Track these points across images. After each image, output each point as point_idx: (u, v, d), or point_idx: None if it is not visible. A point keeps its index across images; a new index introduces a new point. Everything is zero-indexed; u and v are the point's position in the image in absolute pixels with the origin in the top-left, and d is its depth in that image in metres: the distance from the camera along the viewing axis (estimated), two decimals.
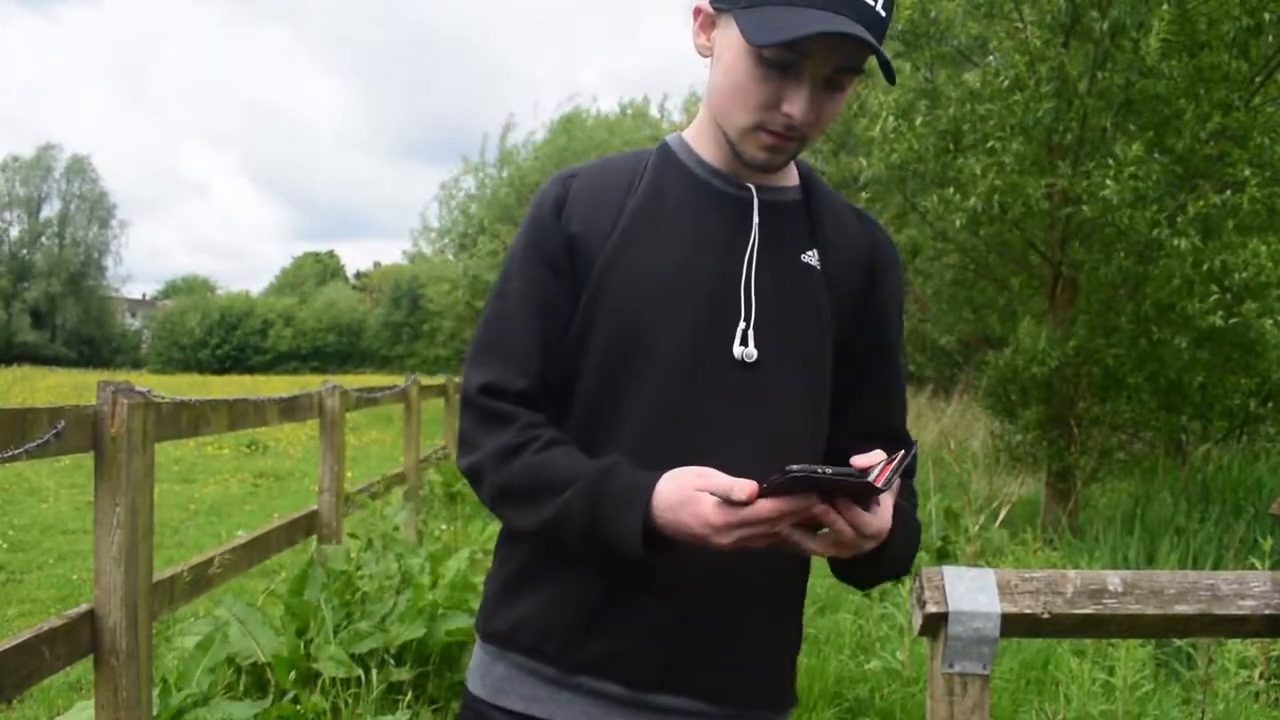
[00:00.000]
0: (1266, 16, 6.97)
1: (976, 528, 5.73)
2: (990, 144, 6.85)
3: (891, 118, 7.14)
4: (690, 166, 1.40)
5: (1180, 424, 7.81)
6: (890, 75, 1.24)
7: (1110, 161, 6.47)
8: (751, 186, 1.38)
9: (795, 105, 1.24)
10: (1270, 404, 9.23)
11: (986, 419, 8.73)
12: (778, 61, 1.23)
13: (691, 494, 1.17)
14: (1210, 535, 7.00)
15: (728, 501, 1.12)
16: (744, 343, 1.32)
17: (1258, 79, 7.59)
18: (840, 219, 1.45)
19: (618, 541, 1.21)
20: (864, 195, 7.76)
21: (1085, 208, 6.58)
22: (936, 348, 8.82)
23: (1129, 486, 8.44)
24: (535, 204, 1.40)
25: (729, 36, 1.27)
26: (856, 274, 1.43)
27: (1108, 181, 6.29)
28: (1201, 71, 7.16)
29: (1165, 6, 6.44)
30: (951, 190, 6.97)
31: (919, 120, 7.03)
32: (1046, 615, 2.28)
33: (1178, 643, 4.80)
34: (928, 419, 13.32)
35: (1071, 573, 2.33)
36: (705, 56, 1.34)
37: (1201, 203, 6.41)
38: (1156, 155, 6.92)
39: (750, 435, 1.31)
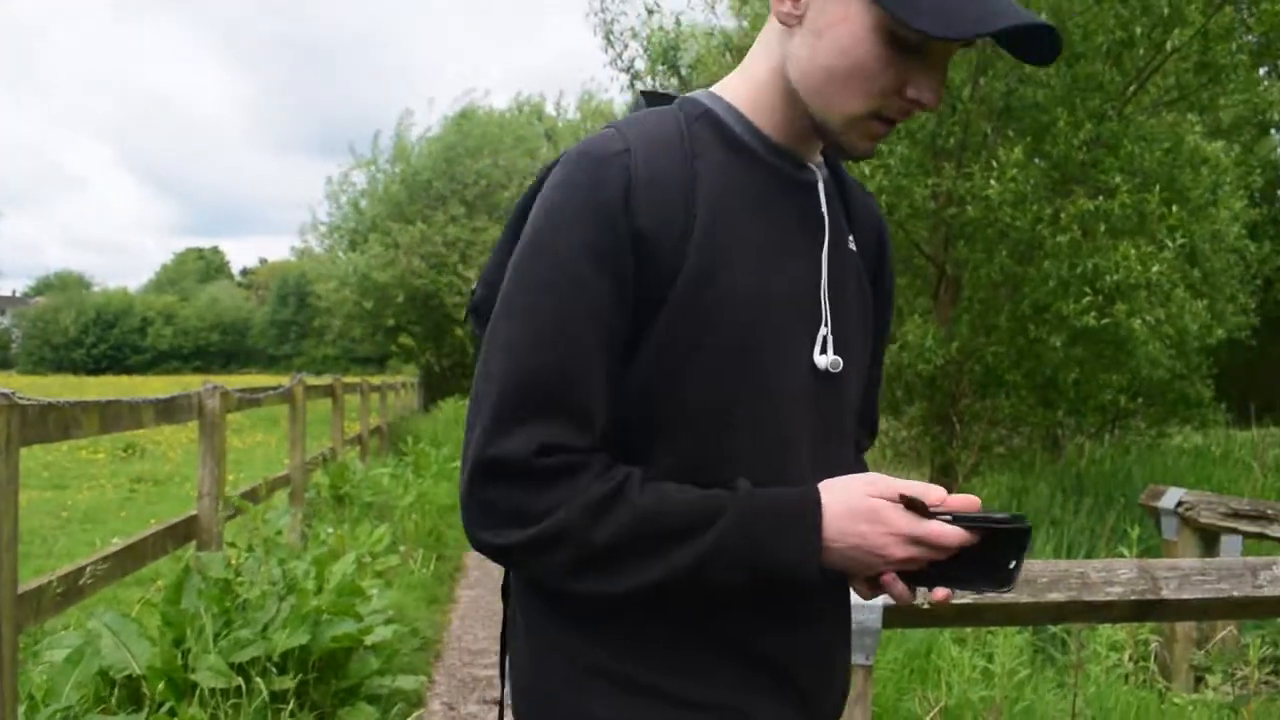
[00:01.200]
0: (1138, 30, 7.28)
1: None
2: (878, 146, 7.03)
3: None
4: (749, 141, 1.17)
5: (1056, 419, 8.11)
6: (1044, 57, 1.09)
7: (993, 164, 6.69)
8: (813, 166, 1.20)
9: (927, 91, 1.08)
10: (1140, 399, 9.66)
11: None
12: (912, 43, 1.06)
13: (871, 502, 1.06)
14: (1084, 525, 7.28)
15: (910, 507, 1.05)
16: (824, 350, 1.16)
17: (1130, 89, 7.93)
18: (857, 194, 1.31)
19: (787, 566, 1.05)
20: None
21: (969, 208, 6.79)
22: None
23: (1008, 480, 8.72)
24: (590, 185, 1.07)
25: (842, 10, 1.07)
26: (874, 254, 1.32)
27: (991, 182, 6.50)
28: (1077, 81, 7.44)
29: (1042, 16, 6.66)
30: None
31: None
32: (927, 606, 2.34)
33: (1053, 629, 4.97)
34: None
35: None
36: (789, 25, 1.11)
37: (1074, 207, 6.67)
38: (1037, 160, 7.17)
39: (826, 447, 1.18)
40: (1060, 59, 7.44)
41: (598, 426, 1.07)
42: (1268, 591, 2.55)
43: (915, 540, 1.04)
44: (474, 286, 1.29)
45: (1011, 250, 7.08)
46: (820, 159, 1.23)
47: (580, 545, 1.04)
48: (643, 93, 1.27)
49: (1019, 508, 7.66)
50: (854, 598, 1.24)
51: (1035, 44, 1.07)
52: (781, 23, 1.12)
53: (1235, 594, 2.50)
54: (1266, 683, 4.51)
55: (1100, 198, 6.88)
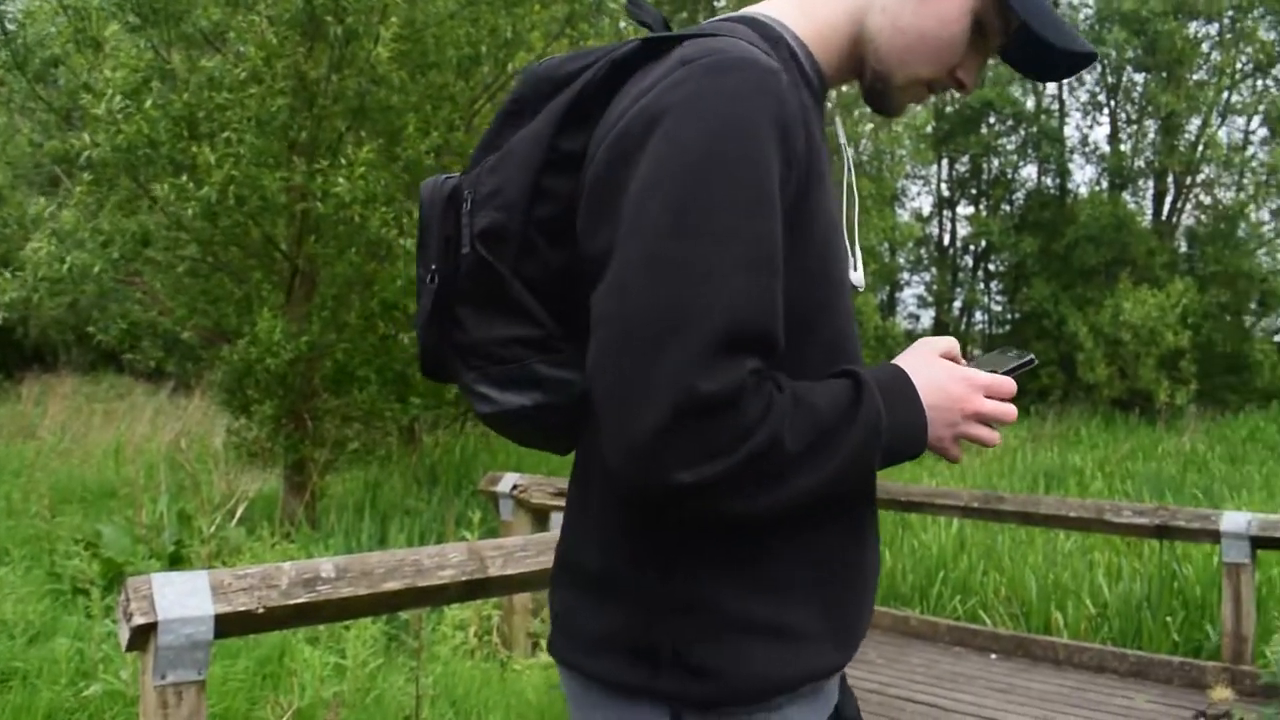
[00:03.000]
0: (484, 49, 7.79)
1: (212, 528, 5.57)
2: (227, 134, 6.71)
3: (119, 96, 6.63)
4: (813, 78, 1.20)
5: (411, 413, 8.40)
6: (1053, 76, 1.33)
7: (344, 161, 6.72)
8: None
9: (972, 76, 1.25)
10: None
11: (229, 416, 8.57)
12: (984, 34, 1.22)
13: (943, 361, 1.16)
14: (436, 513, 7.64)
15: None
16: (854, 268, 1.25)
17: (478, 103, 8.47)
18: None
19: (910, 444, 1.11)
20: (87, 177, 7.11)
21: (320, 204, 6.75)
22: (177, 342, 8.41)
23: (365, 474, 8.89)
24: (765, 93, 1.02)
25: None
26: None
27: (340, 180, 6.52)
28: (430, 90, 7.78)
29: (394, 20, 6.85)
30: (186, 178, 6.69)
31: (149, 102, 6.63)
32: (262, 610, 2.26)
33: (404, 616, 5.12)
34: (169, 417, 12.70)
35: (287, 564, 2.34)
36: None
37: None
38: (393, 163, 7.35)
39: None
40: (415, 67, 7.80)
41: (780, 351, 1.04)
42: None
43: (987, 390, 1.14)
44: (470, 209, 1.15)
45: (363, 249, 7.19)
46: None
47: (780, 456, 1.00)
48: (644, 9, 1.23)
49: (376, 501, 7.84)
50: None
51: (1063, 68, 1.27)
52: None
53: (552, 565, 2.77)
54: None
55: None
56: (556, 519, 5.48)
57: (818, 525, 1.14)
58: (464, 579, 2.52)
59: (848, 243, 1.23)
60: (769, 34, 1.17)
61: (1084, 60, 1.22)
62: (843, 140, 1.32)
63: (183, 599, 2.09)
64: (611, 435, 1.00)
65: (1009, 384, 1.16)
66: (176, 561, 5.60)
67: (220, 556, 5.54)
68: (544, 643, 4.86)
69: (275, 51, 6.80)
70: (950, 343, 1.19)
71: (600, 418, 1.02)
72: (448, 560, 2.50)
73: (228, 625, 2.20)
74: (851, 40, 1.22)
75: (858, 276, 1.25)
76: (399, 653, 4.85)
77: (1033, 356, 1.23)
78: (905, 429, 1.10)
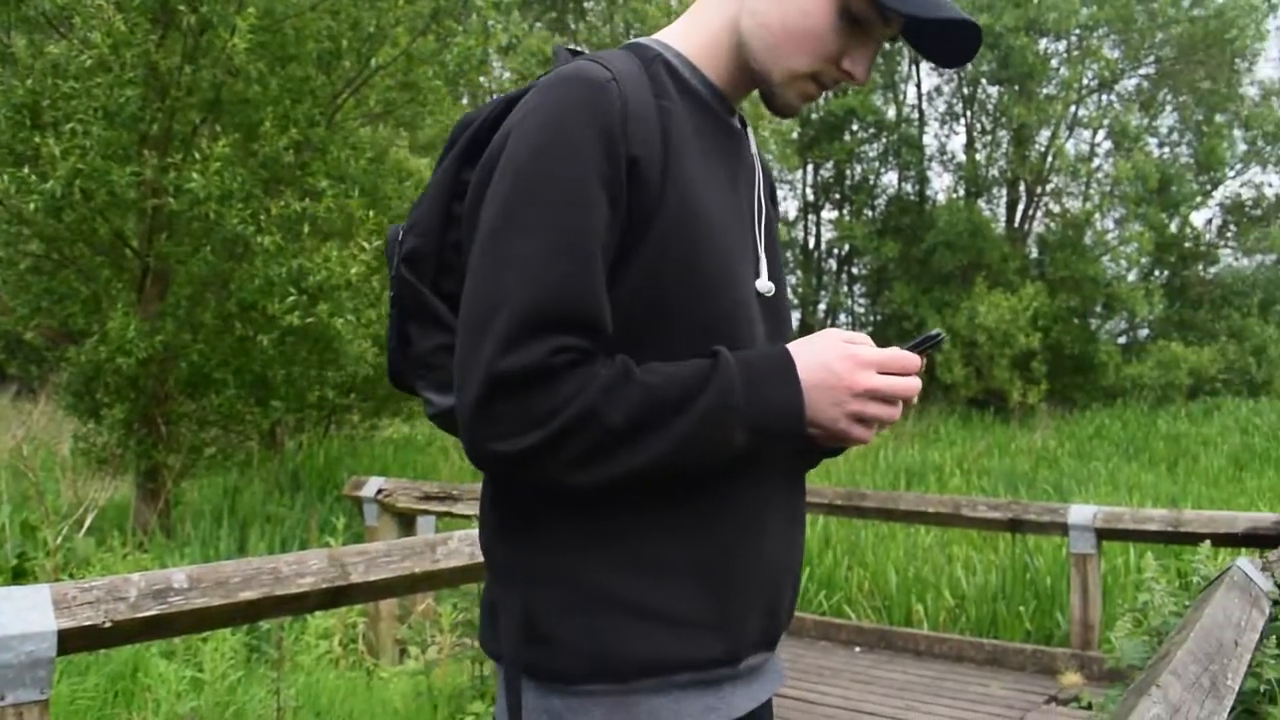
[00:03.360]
0: (345, 43, 7.60)
1: (59, 540, 5.30)
2: (72, 125, 6.39)
3: None
4: (699, 89, 1.26)
5: (273, 416, 8.15)
6: (960, 60, 1.26)
7: (198, 156, 6.48)
8: (740, 116, 1.33)
9: (860, 66, 1.24)
10: (353, 395, 10.13)
11: (76, 421, 8.17)
12: (862, 20, 1.20)
13: (834, 340, 1.16)
14: (299, 520, 7.43)
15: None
16: (758, 275, 1.28)
17: (340, 98, 8.26)
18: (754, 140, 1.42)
19: (782, 420, 1.12)
20: None
21: (173, 200, 6.49)
22: (20, 343, 7.98)
23: (224, 480, 8.58)
24: (593, 106, 1.11)
25: None
26: (768, 196, 1.39)
27: (194, 175, 6.28)
28: (289, 84, 7.55)
29: (251, 11, 6.64)
30: (28, 170, 6.35)
31: None
32: (109, 624, 2.15)
33: (265, 626, 4.96)
34: (10, 422, 12.06)
35: (136, 575, 2.23)
36: None
37: (276, 208, 6.74)
38: (250, 159, 7.11)
39: None
40: (274, 60, 7.57)
41: (604, 335, 1.10)
42: (444, 564, 2.80)
43: (879, 365, 1.14)
44: (398, 236, 1.28)
45: (219, 247, 6.94)
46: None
47: (598, 428, 1.05)
48: (561, 49, 1.29)
49: (235, 508, 7.58)
50: None
51: (956, 46, 1.23)
52: None
53: (417, 570, 2.71)
54: (459, 645, 4.97)
55: (307, 200, 7.05)
56: (423, 523, 5.39)
57: (697, 509, 1.16)
58: (325, 586, 2.45)
59: (759, 249, 1.29)
60: (644, 54, 1.24)
61: (963, 28, 1.19)
62: (754, 151, 1.34)
63: (22, 614, 1.98)
64: (457, 413, 1.12)
65: (908, 358, 1.17)
66: (20, 575, 5.31)
67: (67, 569, 5.29)
68: (411, 649, 4.75)
69: (124, 39, 6.50)
70: (861, 338, 1.18)
71: None
72: (307, 567, 2.42)
73: (72, 641, 2.09)
74: (733, 49, 1.27)
75: (763, 284, 1.28)
76: (260, 664, 4.71)
77: (939, 331, 1.24)
78: (775, 405, 1.11)
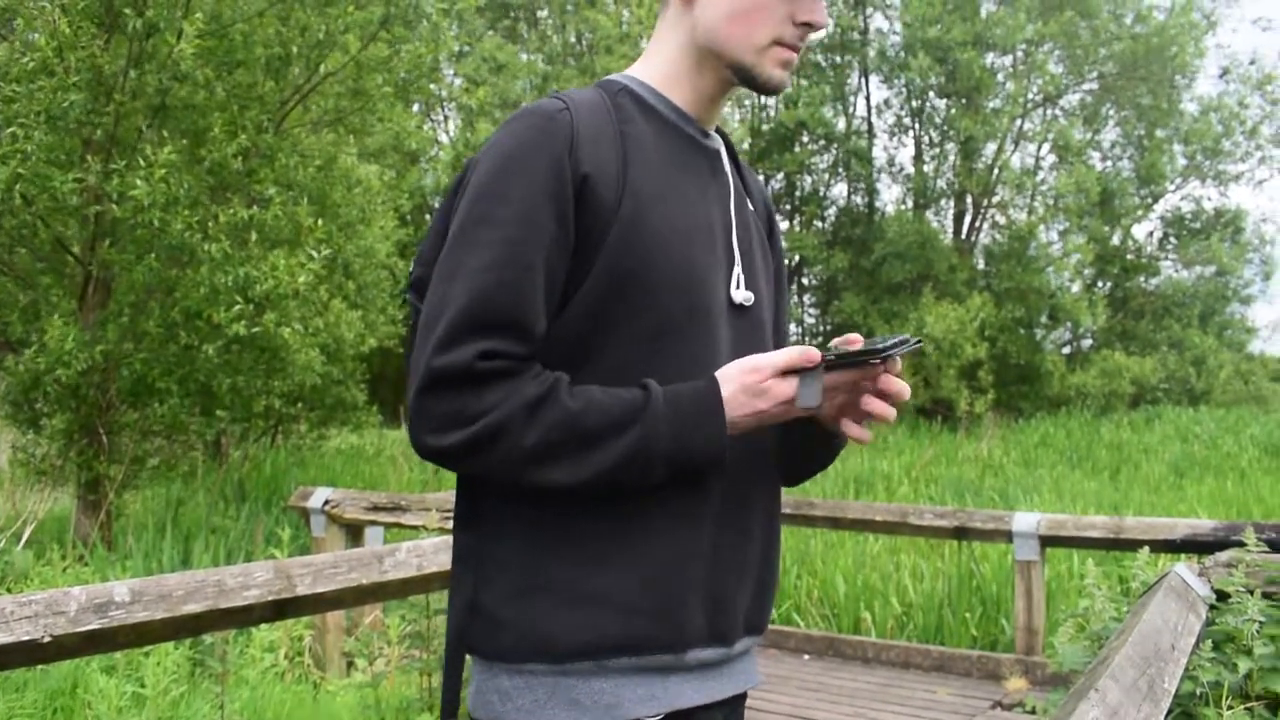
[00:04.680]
0: (294, 49, 7.53)
1: None
2: (13, 129, 6.28)
3: None
4: (664, 112, 1.35)
5: (218, 426, 8.03)
6: None
7: (143, 162, 6.38)
8: (715, 136, 1.41)
9: (814, 13, 1.32)
10: (300, 404, 10.03)
11: (14, 432, 8.00)
12: None
13: (758, 381, 1.21)
14: (244, 531, 7.33)
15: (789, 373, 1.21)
16: (738, 286, 1.34)
17: (288, 104, 8.18)
18: (748, 170, 1.50)
19: (703, 453, 1.19)
20: None
21: (116, 207, 6.38)
22: None
23: (168, 492, 8.44)
24: (541, 134, 1.22)
25: None
26: (764, 220, 1.49)
27: (139, 182, 6.18)
28: (237, 89, 7.46)
29: (199, 16, 6.56)
30: None
31: None
32: (48, 639, 2.11)
33: (209, 639, 4.89)
34: None
35: (76, 589, 2.19)
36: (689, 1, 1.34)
37: (224, 215, 6.66)
38: (197, 165, 7.02)
39: None
40: (221, 65, 7.48)
41: (537, 340, 1.19)
42: (392, 575, 2.78)
43: (779, 367, 1.21)
44: (411, 269, 1.36)
45: (163, 254, 6.84)
46: (718, 134, 1.43)
47: (511, 444, 1.14)
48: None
49: (179, 520, 7.46)
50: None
51: None
52: (683, 2, 1.34)
53: (364, 581, 2.68)
54: (408, 657, 4.92)
55: (255, 207, 6.97)
56: (371, 534, 5.34)
57: (638, 504, 1.22)
58: (271, 599, 2.42)
59: (736, 260, 1.36)
60: (611, 87, 1.35)
61: None
62: (727, 170, 1.41)
63: None
64: None
65: (806, 353, 1.22)
66: None
67: (5, 583, 5.18)
68: (358, 661, 4.69)
69: (69, 42, 6.40)
70: (761, 360, 1.25)
71: None
72: (253, 579, 2.39)
73: (10, 657, 2.04)
74: (693, 69, 1.36)
75: (740, 294, 1.35)
76: (203, 678, 4.64)
77: (913, 337, 1.27)
78: (697, 444, 1.20)
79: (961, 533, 5.29)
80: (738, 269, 1.35)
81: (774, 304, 1.47)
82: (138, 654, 4.43)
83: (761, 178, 26.17)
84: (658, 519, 1.23)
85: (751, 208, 1.45)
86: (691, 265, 1.28)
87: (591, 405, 1.17)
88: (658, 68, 1.38)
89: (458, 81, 19.43)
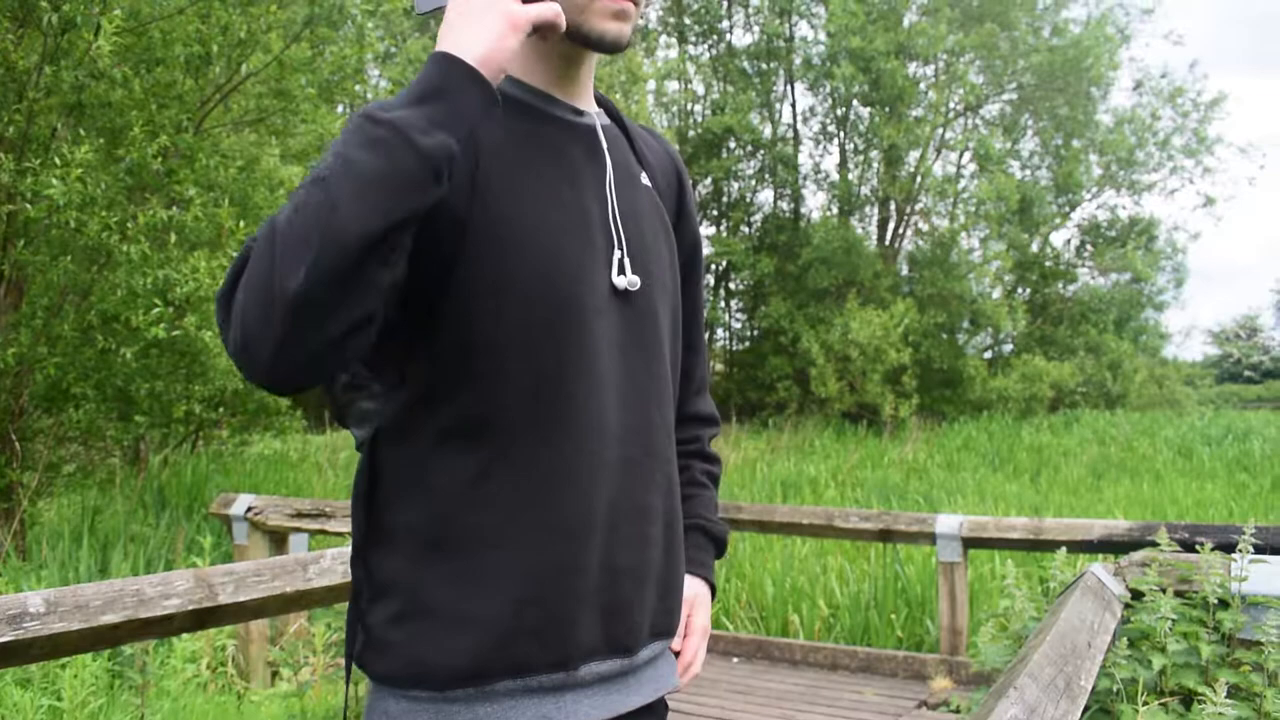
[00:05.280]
0: (215, 48, 7.39)
1: None
2: None
3: None
4: (521, 96, 1.26)
5: (137, 432, 7.85)
6: None
7: (59, 161, 6.20)
8: (590, 113, 1.31)
9: None
10: (221, 409, 9.83)
11: None
12: None
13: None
14: (164, 540, 7.17)
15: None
16: (622, 271, 1.26)
17: (208, 104, 8.02)
18: (644, 137, 1.42)
19: (442, 68, 1.06)
20: None
21: (30, 206, 6.20)
22: None
23: (84, 499, 8.22)
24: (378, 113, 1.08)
25: None
26: (671, 191, 1.42)
27: (54, 181, 6.02)
28: (157, 88, 7.30)
29: (118, 13, 6.40)
30: None
31: None
32: None
33: (129, 650, 4.78)
34: None
35: None
36: None
37: (144, 216, 6.51)
38: (115, 164, 6.84)
39: (636, 356, 1.27)
40: (140, 63, 7.31)
41: None
42: (317, 583, 2.74)
43: None
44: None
45: (79, 255, 6.66)
46: (598, 109, 1.34)
47: (270, 231, 1.01)
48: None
49: (96, 528, 7.27)
50: None
51: None
52: None
53: (288, 589, 2.64)
54: (333, 666, 4.86)
55: (175, 208, 6.83)
56: (295, 541, 5.26)
57: (523, 516, 1.17)
58: (191, 608, 2.37)
59: (618, 243, 1.27)
60: None
61: None
62: (604, 148, 1.30)
63: None
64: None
65: None
66: None
67: None
68: (283, 670, 4.63)
69: None
70: None
71: None
72: (173, 589, 2.34)
73: None
74: (532, 44, 1.25)
75: (624, 280, 1.25)
76: (123, 690, 4.53)
77: None
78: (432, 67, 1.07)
79: (886, 535, 5.37)
80: (618, 253, 1.26)
81: (676, 285, 1.37)
82: (54, 666, 4.31)
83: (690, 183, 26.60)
84: (532, 534, 1.17)
85: (648, 183, 1.36)
86: (558, 257, 1.19)
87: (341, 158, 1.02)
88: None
89: (384, 84, 19.23)
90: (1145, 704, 2.90)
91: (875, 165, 24.68)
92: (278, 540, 5.26)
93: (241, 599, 2.48)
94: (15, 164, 6.34)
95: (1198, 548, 3.34)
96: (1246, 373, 48.54)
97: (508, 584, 1.16)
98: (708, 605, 1.50)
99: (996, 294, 23.37)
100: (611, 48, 1.24)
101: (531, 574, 1.17)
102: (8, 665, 2.25)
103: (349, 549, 2.90)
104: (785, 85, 25.76)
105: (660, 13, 25.76)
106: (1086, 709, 2.59)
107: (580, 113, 1.30)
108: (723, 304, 26.40)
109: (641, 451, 1.26)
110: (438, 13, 1.17)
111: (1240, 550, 3.22)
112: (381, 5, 8.27)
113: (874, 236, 24.85)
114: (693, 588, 1.46)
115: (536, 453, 1.18)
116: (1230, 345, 50.51)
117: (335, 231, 0.98)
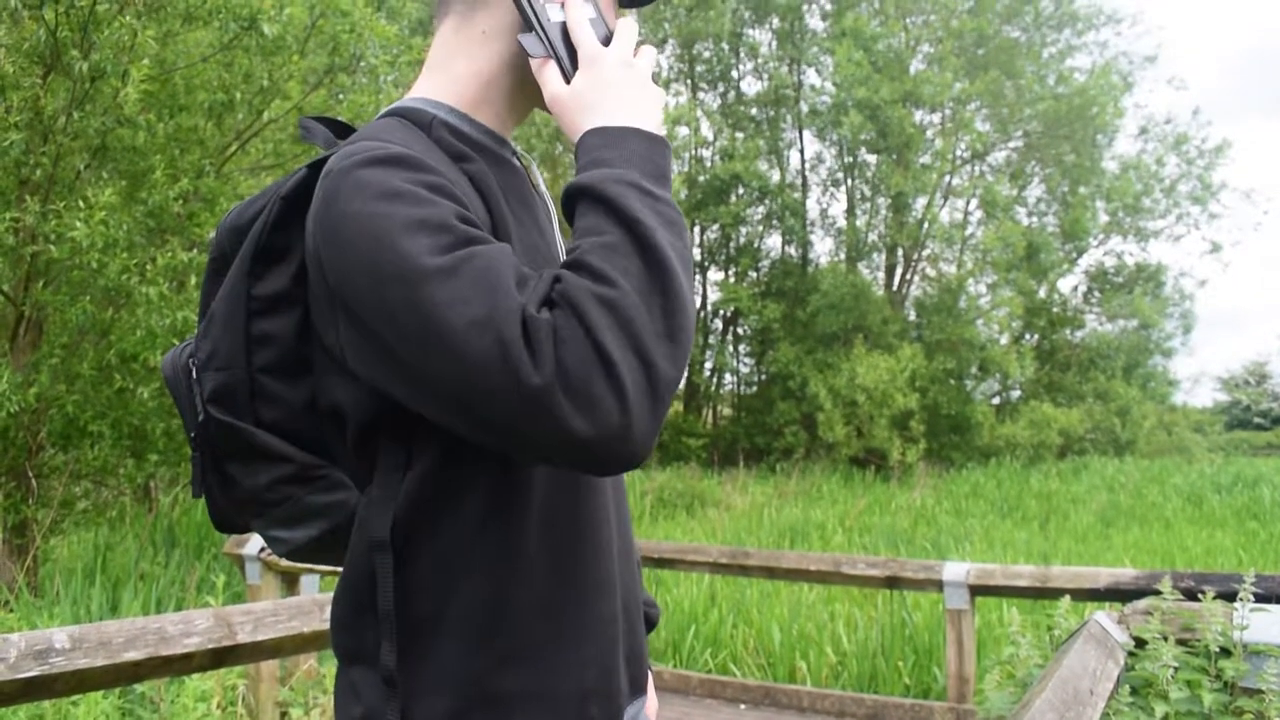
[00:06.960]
0: (238, 95, 7.55)
1: None
2: None
3: None
4: (485, 141, 1.20)
5: (148, 470, 7.90)
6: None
7: (82, 203, 6.33)
8: (519, 151, 1.27)
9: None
10: None
11: None
12: None
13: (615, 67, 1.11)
14: (174, 578, 7.20)
15: None
16: None
17: (230, 149, 8.18)
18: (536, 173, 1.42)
19: (650, 146, 1.07)
20: None
21: (53, 248, 6.32)
22: None
23: (95, 536, 8.26)
24: (415, 168, 1.00)
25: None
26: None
27: (78, 223, 6.14)
28: (179, 133, 7.45)
29: (145, 61, 6.55)
30: None
31: None
32: None
33: (140, 688, 4.81)
34: None
35: (15, 635, 2.18)
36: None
37: (163, 258, 6.62)
38: (136, 207, 6.97)
39: None
40: (163, 109, 7.47)
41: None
42: None
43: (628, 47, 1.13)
44: (197, 376, 1.14)
45: (99, 296, 6.77)
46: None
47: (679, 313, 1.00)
48: (316, 119, 1.22)
49: (107, 566, 7.31)
50: None
51: None
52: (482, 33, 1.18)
53: (305, 630, 2.69)
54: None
55: (194, 250, 6.94)
56: (307, 582, 5.29)
57: (563, 582, 1.11)
58: (211, 646, 2.42)
59: None
60: (420, 119, 1.15)
61: None
62: (542, 188, 1.29)
63: None
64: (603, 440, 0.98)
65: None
66: None
67: None
68: (292, 711, 4.65)
69: (11, 83, 6.36)
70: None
71: None
72: (194, 627, 2.40)
73: None
74: (518, 82, 1.21)
75: None
76: None
77: None
78: (638, 151, 1.06)
79: (894, 582, 5.39)
80: None
81: None
82: (65, 702, 4.34)
83: (697, 229, 26.45)
84: (578, 590, 1.12)
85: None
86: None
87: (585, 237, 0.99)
88: (467, 91, 1.19)
89: None
90: None
91: (883, 211, 24.84)
92: (289, 581, 5.30)
93: (260, 638, 2.53)
94: (41, 206, 6.47)
95: (1200, 596, 3.38)
96: (1256, 419, 48.33)
97: (571, 649, 1.11)
98: None
99: (1004, 340, 23.41)
100: None
101: (588, 632, 1.13)
102: (32, 699, 2.30)
103: None
104: (794, 132, 26.00)
105: (672, 59, 26.07)
106: None
107: (516, 155, 1.26)
108: (730, 349, 26.48)
109: (620, 502, 1.27)
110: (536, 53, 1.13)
111: (1241, 599, 3.25)
112: (400, 57, 8.44)
113: (881, 282, 24.96)
114: None
115: (565, 506, 1.13)
116: (1239, 391, 50.33)
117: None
